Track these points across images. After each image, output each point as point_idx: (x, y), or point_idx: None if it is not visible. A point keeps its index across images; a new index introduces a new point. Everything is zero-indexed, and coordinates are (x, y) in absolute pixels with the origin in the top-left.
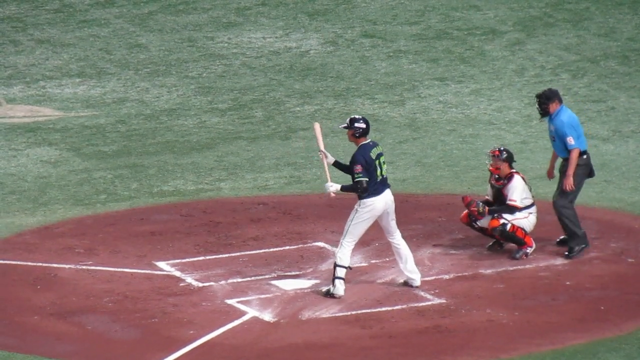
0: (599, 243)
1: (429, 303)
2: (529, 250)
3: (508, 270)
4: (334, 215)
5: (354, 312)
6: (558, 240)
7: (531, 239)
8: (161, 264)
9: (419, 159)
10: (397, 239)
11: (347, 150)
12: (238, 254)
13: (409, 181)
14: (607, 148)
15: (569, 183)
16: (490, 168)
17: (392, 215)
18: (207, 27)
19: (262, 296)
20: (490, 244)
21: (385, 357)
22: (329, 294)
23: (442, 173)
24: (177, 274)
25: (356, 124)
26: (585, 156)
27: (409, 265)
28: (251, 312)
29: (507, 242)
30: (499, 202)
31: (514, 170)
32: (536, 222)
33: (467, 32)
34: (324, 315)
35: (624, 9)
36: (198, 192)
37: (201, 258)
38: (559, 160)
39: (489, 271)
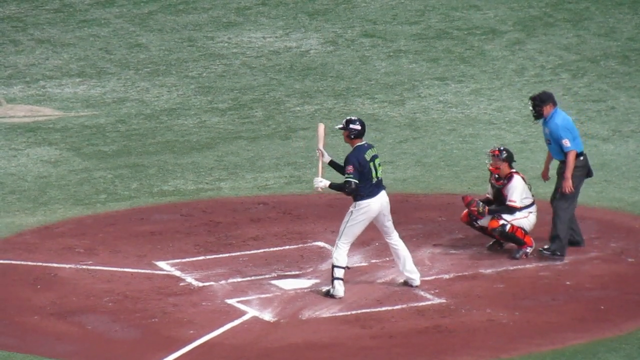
0: (599, 243)
1: (429, 303)
2: (529, 250)
3: (508, 270)
4: (334, 215)
5: (354, 312)
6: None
7: (531, 238)
8: (161, 264)
9: (419, 159)
10: (394, 239)
11: (347, 150)
12: (238, 253)
13: (409, 181)
14: (607, 148)
15: (568, 185)
16: (490, 168)
17: (388, 217)
18: (207, 27)
19: (262, 296)
20: (490, 243)
21: (386, 357)
22: (329, 295)
23: (442, 173)
24: (177, 273)
25: (352, 125)
26: (582, 157)
27: (407, 265)
28: (251, 312)
29: (507, 242)
30: (499, 202)
31: (513, 170)
32: (536, 222)
33: (467, 32)
34: (324, 315)
35: (624, 9)
36: (198, 191)
37: (201, 258)
38: (555, 162)
39: (489, 271)
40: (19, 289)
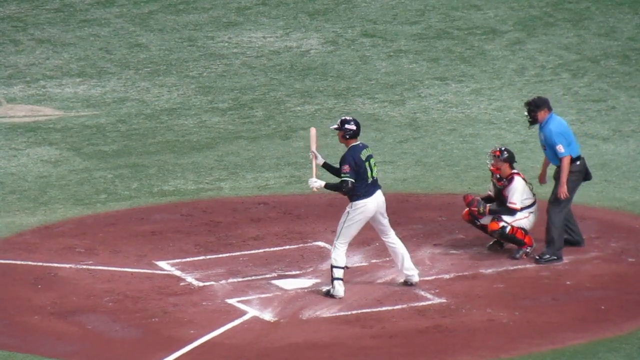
0: (599, 243)
1: (430, 303)
2: (529, 249)
3: (508, 270)
4: (334, 214)
5: (354, 312)
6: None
7: (531, 238)
8: (161, 264)
9: (419, 159)
10: (391, 238)
11: (343, 150)
12: (238, 253)
13: (409, 181)
14: (608, 147)
15: (563, 191)
16: (491, 168)
17: (385, 215)
18: (208, 27)
19: (263, 296)
20: (491, 243)
21: (386, 356)
22: (329, 295)
23: (443, 173)
24: (178, 273)
25: (347, 126)
26: (578, 162)
27: (406, 263)
28: (251, 312)
29: (507, 242)
30: (500, 201)
31: (514, 171)
32: (536, 221)
33: (467, 32)
34: (325, 315)
35: (624, 9)
36: (198, 191)
37: (201, 257)
38: (552, 166)
39: (489, 271)
40: (19, 289)
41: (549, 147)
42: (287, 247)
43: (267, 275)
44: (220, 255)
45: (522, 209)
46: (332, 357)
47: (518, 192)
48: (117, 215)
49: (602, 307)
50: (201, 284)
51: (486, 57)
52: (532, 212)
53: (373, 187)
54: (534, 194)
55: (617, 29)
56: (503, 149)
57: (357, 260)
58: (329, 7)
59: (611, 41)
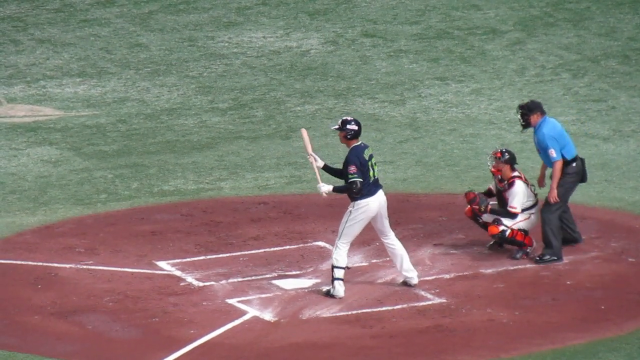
0: (599, 242)
1: (430, 302)
2: (529, 249)
3: (508, 269)
4: (334, 214)
5: (354, 312)
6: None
7: (531, 238)
8: (162, 264)
9: (419, 159)
10: (391, 239)
11: (342, 149)
12: (238, 253)
13: (409, 181)
14: (608, 147)
15: (553, 196)
16: (492, 170)
17: (385, 216)
18: (208, 27)
19: (263, 296)
20: (491, 243)
21: (386, 356)
22: (329, 295)
23: (443, 173)
24: (178, 273)
25: (348, 126)
26: (574, 164)
27: (405, 264)
28: (252, 312)
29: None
30: (500, 200)
31: (515, 174)
32: (537, 221)
33: (467, 32)
34: (325, 315)
35: (624, 9)
36: (198, 191)
37: (202, 257)
38: (550, 168)
39: (489, 271)
40: (20, 289)
41: (542, 150)
42: (287, 247)
43: (267, 275)
44: (221, 255)
45: (523, 210)
46: (332, 357)
47: (519, 197)
48: (117, 215)
49: (602, 307)
50: (201, 284)
51: (486, 57)
52: (532, 213)
53: (375, 186)
54: (535, 194)
55: (618, 29)
56: (504, 150)
57: (357, 260)
58: (329, 7)
59: (611, 41)
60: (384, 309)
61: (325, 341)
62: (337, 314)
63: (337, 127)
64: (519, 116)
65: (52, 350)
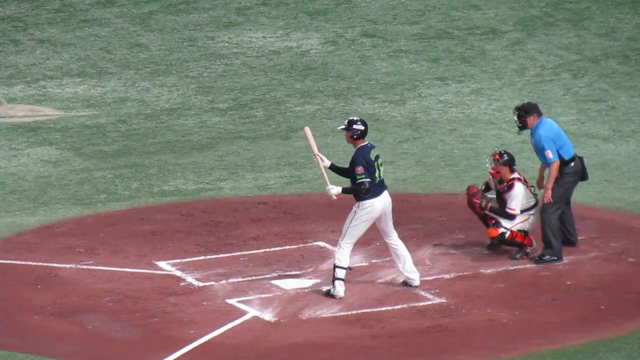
0: (599, 242)
1: (430, 302)
2: (529, 249)
3: (508, 269)
4: (334, 214)
5: (354, 312)
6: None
7: (531, 239)
8: (162, 264)
9: (419, 159)
10: (394, 239)
11: (347, 150)
12: (238, 253)
13: (409, 181)
14: (608, 147)
15: (547, 196)
16: (491, 171)
17: (390, 216)
18: (208, 27)
19: (263, 296)
20: (490, 243)
21: (386, 356)
22: (329, 295)
23: (443, 173)
24: (178, 273)
25: (354, 126)
26: (572, 163)
27: (407, 266)
28: (252, 312)
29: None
30: (500, 201)
31: (515, 177)
32: (537, 222)
33: (467, 32)
34: (325, 315)
35: (624, 9)
36: (198, 191)
37: (202, 258)
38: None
39: (489, 271)
40: (20, 289)
41: (539, 151)
42: (287, 247)
43: (267, 275)
44: (221, 255)
45: (522, 211)
46: (332, 357)
47: (518, 199)
48: (117, 215)
49: (602, 307)
50: (201, 284)
51: (486, 57)
52: (532, 214)
53: (380, 187)
54: (534, 195)
55: (617, 29)
56: (502, 152)
57: (358, 260)
58: (329, 7)
59: (611, 41)
60: (384, 309)
61: (325, 341)
62: (337, 314)
63: (343, 127)
64: (515, 118)
65: (52, 350)
